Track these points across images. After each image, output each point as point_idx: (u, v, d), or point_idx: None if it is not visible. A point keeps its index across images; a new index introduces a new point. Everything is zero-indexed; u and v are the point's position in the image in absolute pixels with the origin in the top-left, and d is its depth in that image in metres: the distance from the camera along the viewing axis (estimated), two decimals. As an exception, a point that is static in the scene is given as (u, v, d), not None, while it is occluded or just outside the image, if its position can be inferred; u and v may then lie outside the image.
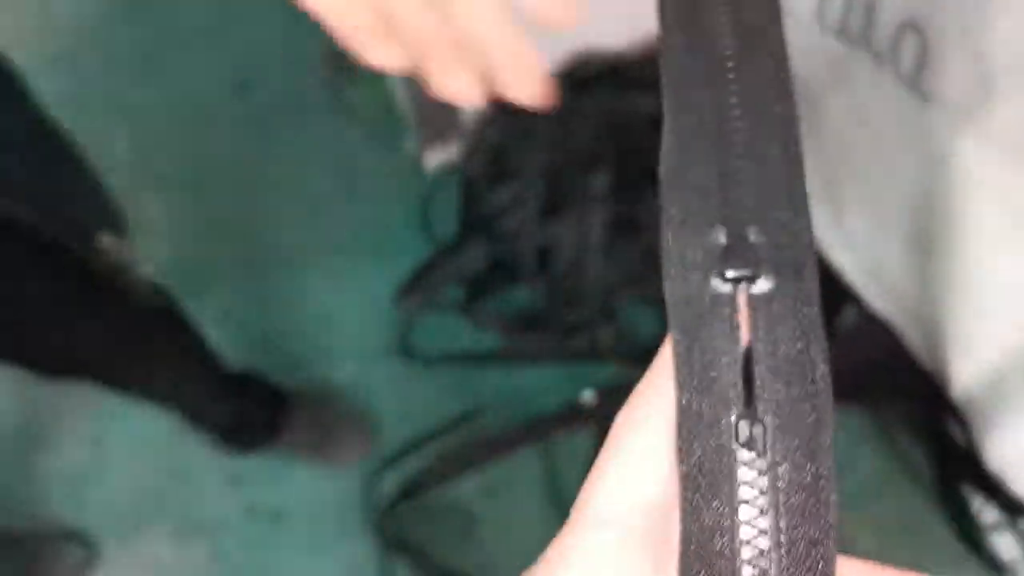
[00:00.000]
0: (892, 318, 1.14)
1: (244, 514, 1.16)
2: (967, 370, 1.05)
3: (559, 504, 1.14)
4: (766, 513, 0.21)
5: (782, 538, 0.21)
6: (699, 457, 0.21)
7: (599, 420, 1.17)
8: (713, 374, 0.22)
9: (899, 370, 1.12)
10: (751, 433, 0.21)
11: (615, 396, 1.19)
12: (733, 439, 0.21)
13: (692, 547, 0.21)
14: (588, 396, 1.18)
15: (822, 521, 0.22)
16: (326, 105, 1.43)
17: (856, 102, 1.05)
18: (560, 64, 1.32)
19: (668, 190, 0.23)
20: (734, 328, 0.22)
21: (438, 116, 1.30)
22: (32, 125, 0.69)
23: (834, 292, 1.17)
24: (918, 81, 0.95)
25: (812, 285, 0.22)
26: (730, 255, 0.22)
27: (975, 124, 0.88)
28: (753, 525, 0.21)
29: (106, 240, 0.75)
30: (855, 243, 1.16)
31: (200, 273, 1.29)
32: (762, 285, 0.22)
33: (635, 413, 0.22)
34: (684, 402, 0.22)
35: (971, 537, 1.04)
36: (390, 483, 1.17)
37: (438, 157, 1.37)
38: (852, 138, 1.08)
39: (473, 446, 1.19)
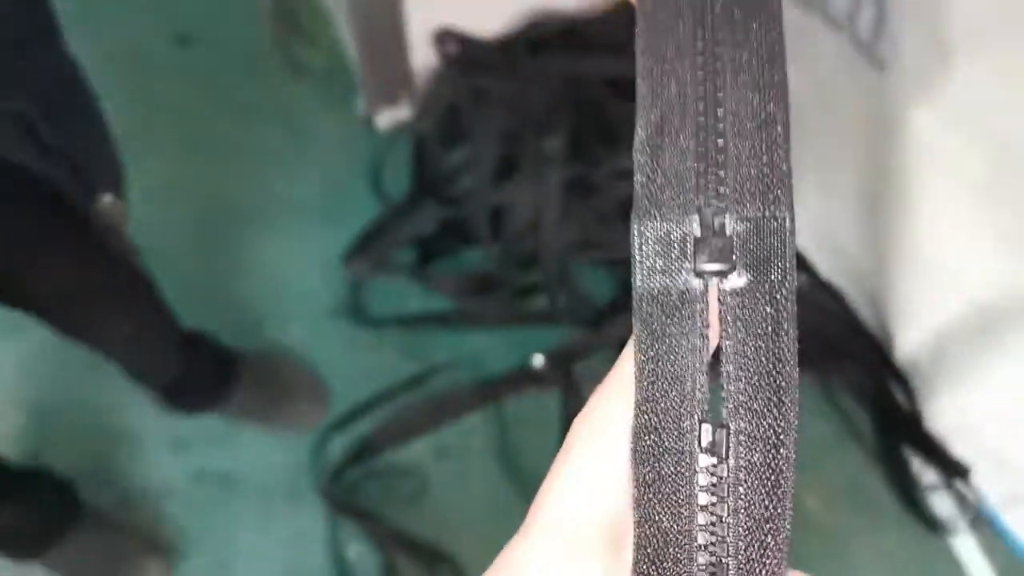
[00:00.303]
0: (841, 284, 1.16)
1: (192, 479, 1.14)
2: (912, 336, 1.07)
3: (510, 466, 1.14)
4: (724, 521, 0.20)
5: (740, 545, 0.20)
6: (659, 461, 0.21)
7: (550, 383, 1.17)
8: (678, 375, 0.20)
9: (846, 336, 1.14)
10: (714, 438, 0.20)
11: (566, 359, 1.19)
12: (696, 443, 0.20)
13: (647, 551, 0.21)
14: (539, 360, 1.18)
15: (780, 533, 0.21)
16: (273, 62, 1.38)
17: (810, 68, 1.05)
18: (516, 25, 1.30)
19: (639, 173, 0.21)
20: (703, 326, 0.20)
21: (389, 75, 1.27)
22: (65, 69, 0.66)
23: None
24: (874, 48, 0.95)
25: (790, 283, 0.20)
26: (703, 247, 0.21)
27: (930, 92, 0.89)
28: (711, 532, 0.20)
29: (107, 200, 0.73)
30: (808, 209, 1.16)
31: (145, 232, 1.24)
32: (736, 281, 0.20)
33: (594, 416, 0.21)
34: (646, 403, 0.21)
35: (911, 497, 1.07)
36: (340, 446, 1.16)
37: (389, 117, 1.34)
38: (805, 104, 1.09)
39: (424, 409, 1.18)
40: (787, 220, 0.21)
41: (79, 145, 0.69)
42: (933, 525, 1.05)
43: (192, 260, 1.28)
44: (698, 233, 0.21)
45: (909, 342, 1.08)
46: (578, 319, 1.21)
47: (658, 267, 0.21)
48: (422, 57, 1.29)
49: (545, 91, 1.25)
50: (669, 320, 0.21)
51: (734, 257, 0.20)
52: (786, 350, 0.20)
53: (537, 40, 1.28)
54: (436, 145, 1.28)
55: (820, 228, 1.16)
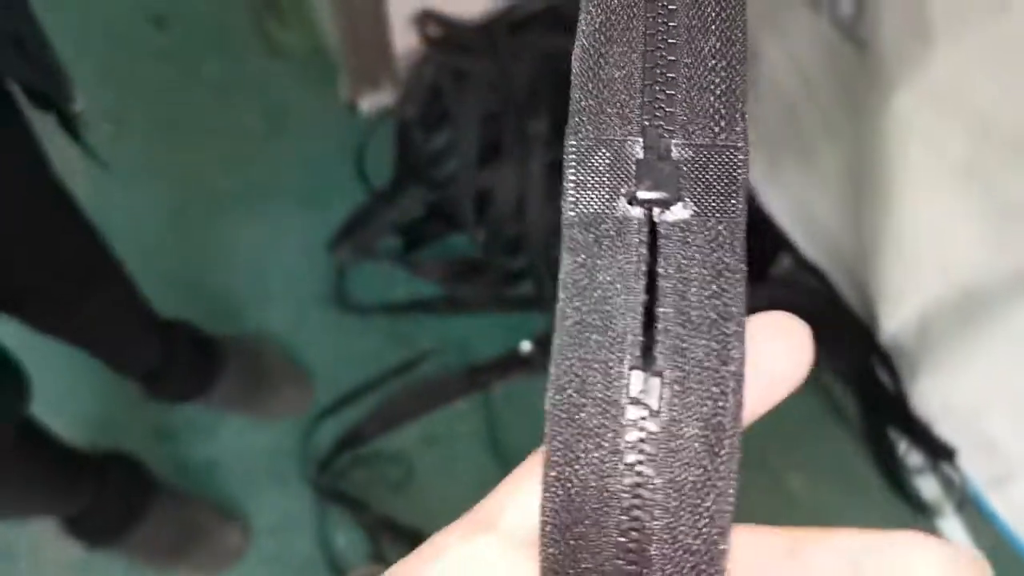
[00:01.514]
0: (825, 265, 1.15)
1: (175, 469, 1.13)
2: (896, 317, 1.07)
3: (498, 453, 1.14)
4: (653, 483, 0.17)
5: (670, 508, 0.17)
6: (580, 412, 0.18)
7: (538, 369, 1.17)
8: (608, 312, 0.18)
9: (830, 316, 1.14)
10: (645, 386, 0.18)
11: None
12: (623, 392, 0.18)
13: (561, 517, 0.18)
14: (527, 345, 1.18)
15: (720, 496, 0.17)
16: (252, 44, 1.36)
17: (792, 48, 1.03)
18: (497, 6, 1.28)
19: (578, 86, 0.19)
20: (639, 261, 0.18)
21: (371, 58, 1.25)
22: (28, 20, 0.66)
23: (770, 240, 1.18)
24: (855, 28, 0.94)
25: (739, 219, 0.18)
26: (645, 172, 0.18)
27: (911, 72, 0.88)
28: (636, 495, 0.18)
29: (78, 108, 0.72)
30: (790, 190, 1.16)
31: (121, 216, 1.23)
32: (679, 212, 0.18)
33: None
34: (568, 347, 0.18)
35: (897, 479, 1.07)
36: (327, 434, 1.15)
37: (372, 101, 1.32)
38: (787, 84, 1.08)
39: (411, 396, 1.18)
40: (741, 151, 0.18)
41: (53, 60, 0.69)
42: (919, 507, 1.06)
43: (171, 246, 1.27)
44: (640, 155, 0.18)
45: (893, 323, 1.08)
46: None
47: (591, 190, 0.18)
48: (403, 40, 1.27)
49: (527, 72, 1.24)
50: (600, 251, 0.18)
51: (679, 185, 0.18)
52: (731, 291, 0.18)
53: (518, 21, 1.26)
54: (419, 129, 1.27)
55: (802, 209, 1.15)
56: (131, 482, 1.03)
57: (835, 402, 1.13)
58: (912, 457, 1.07)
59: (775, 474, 1.09)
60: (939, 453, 1.05)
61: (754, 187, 1.18)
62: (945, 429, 1.05)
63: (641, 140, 0.18)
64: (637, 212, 0.18)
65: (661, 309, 0.18)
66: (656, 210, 0.18)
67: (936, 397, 1.05)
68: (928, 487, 1.07)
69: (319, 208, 1.28)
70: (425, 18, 1.26)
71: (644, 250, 0.18)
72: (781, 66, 1.07)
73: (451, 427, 1.17)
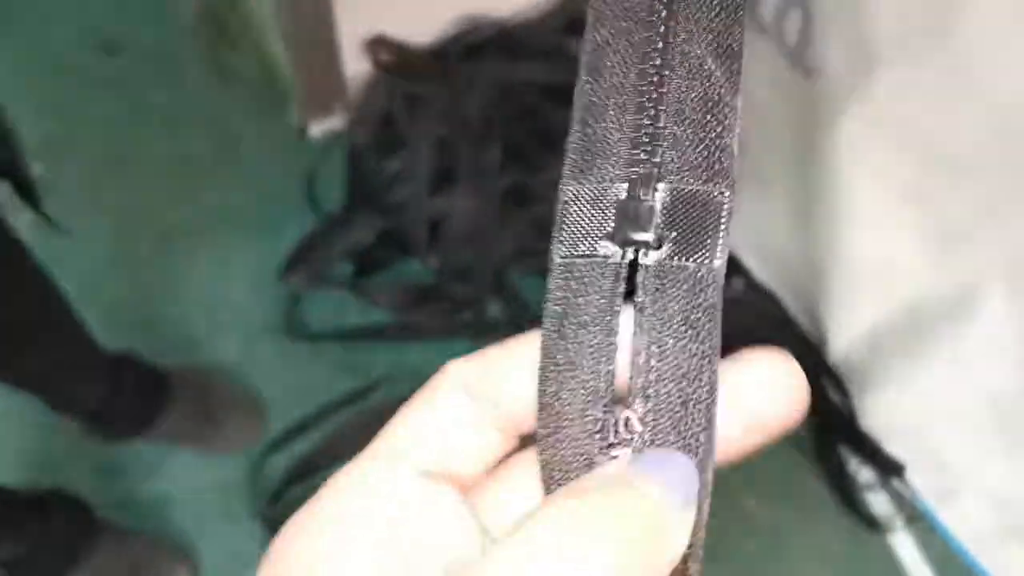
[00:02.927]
0: (776, 287, 1.17)
1: (119, 506, 1.09)
2: (844, 337, 1.09)
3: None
4: None
5: None
6: (559, 454, 0.19)
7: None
8: (583, 354, 0.19)
9: (780, 337, 1.16)
10: (617, 427, 0.18)
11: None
12: (596, 437, 0.18)
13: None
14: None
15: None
16: (202, 69, 1.34)
17: (743, 75, 1.06)
18: (449, 32, 1.29)
19: (573, 134, 0.20)
20: (615, 301, 0.18)
21: (322, 83, 1.24)
22: None
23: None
24: (802, 56, 0.96)
25: (719, 265, 0.19)
26: (626, 215, 0.19)
27: (857, 99, 0.90)
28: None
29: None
30: (741, 214, 1.18)
31: (69, 247, 1.19)
32: (658, 255, 0.19)
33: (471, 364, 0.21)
34: (547, 390, 0.19)
35: (848, 495, 1.09)
36: (277, 467, 1.12)
37: (323, 126, 1.31)
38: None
39: (364, 425, 1.16)
40: (726, 197, 0.19)
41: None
42: (870, 523, 1.07)
43: (118, 276, 1.23)
44: (623, 197, 0.19)
45: (842, 343, 1.10)
46: (519, 330, 1.20)
47: (576, 234, 0.19)
48: (355, 65, 1.26)
49: (481, 98, 1.24)
50: (580, 291, 0.19)
51: (659, 228, 0.19)
52: (707, 334, 0.18)
53: (471, 47, 1.27)
54: (371, 155, 1.26)
55: (753, 232, 1.17)
56: (73, 522, 0.98)
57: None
58: (863, 473, 1.09)
59: (727, 493, 1.09)
60: (888, 469, 1.07)
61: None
62: (894, 445, 1.07)
63: (627, 184, 0.19)
64: (615, 253, 0.19)
65: (636, 358, 0.18)
66: (636, 251, 0.19)
67: (884, 414, 1.07)
68: (879, 503, 1.08)
69: (269, 235, 1.26)
70: (377, 43, 1.26)
71: (621, 292, 0.19)
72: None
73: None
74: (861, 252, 1.02)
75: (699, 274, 0.19)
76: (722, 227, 0.19)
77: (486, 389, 0.21)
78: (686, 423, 0.18)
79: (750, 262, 1.18)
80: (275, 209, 1.29)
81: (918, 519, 1.07)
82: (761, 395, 0.19)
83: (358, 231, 1.25)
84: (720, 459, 0.19)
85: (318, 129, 1.31)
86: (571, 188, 0.20)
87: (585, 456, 0.18)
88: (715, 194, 0.19)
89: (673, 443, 0.18)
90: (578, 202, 0.19)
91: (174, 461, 1.12)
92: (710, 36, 0.20)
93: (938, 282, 0.97)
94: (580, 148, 0.20)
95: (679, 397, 0.18)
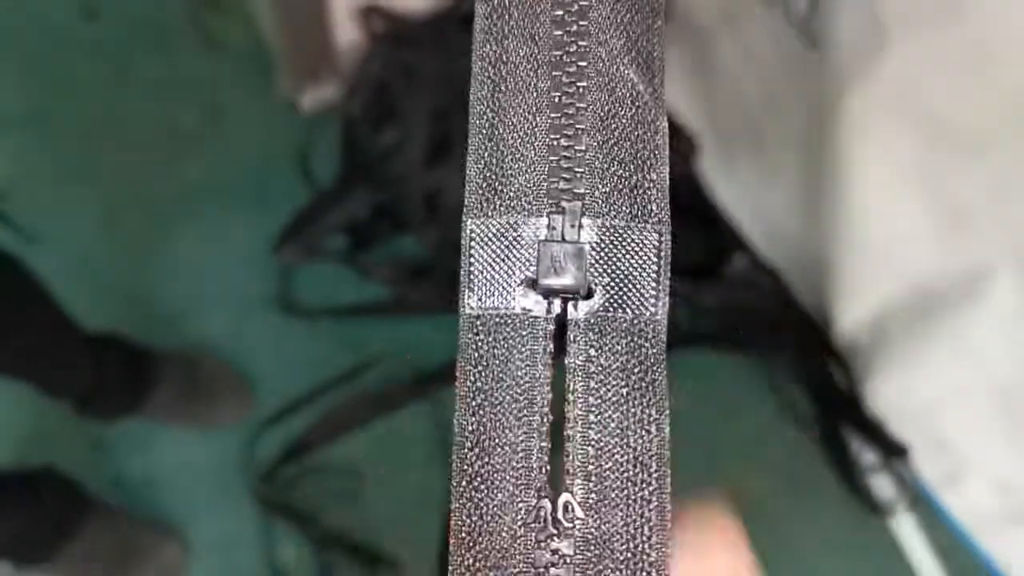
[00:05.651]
0: (781, 265, 1.15)
1: (110, 484, 1.08)
2: (850, 317, 1.07)
3: (449, 460, 1.11)
4: None
5: None
6: (491, 532, 0.16)
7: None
8: (510, 441, 0.16)
9: (785, 317, 1.14)
10: (555, 511, 0.16)
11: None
12: (530, 528, 0.16)
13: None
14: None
15: None
16: (188, 37, 1.30)
17: (747, 45, 1.02)
18: (445, 1, 1.25)
19: (472, 155, 0.17)
20: (541, 365, 0.16)
21: (311, 52, 1.21)
22: None
23: (724, 238, 1.16)
24: (809, 27, 0.93)
25: (661, 314, 0.16)
26: (549, 257, 0.16)
27: (865, 71, 0.87)
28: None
29: None
30: (746, 189, 1.15)
31: (51, 222, 1.17)
32: (590, 306, 0.16)
33: None
34: (468, 472, 0.16)
35: (851, 478, 1.07)
36: (271, 444, 1.11)
37: (315, 96, 1.27)
38: (742, 81, 1.06)
39: (359, 403, 1.14)
40: (660, 236, 0.16)
41: None
42: (873, 506, 1.06)
43: (104, 251, 1.21)
44: (543, 236, 0.16)
45: (848, 323, 1.08)
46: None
47: (489, 280, 0.16)
48: (346, 34, 1.22)
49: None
50: (501, 356, 0.16)
51: (588, 273, 0.16)
52: (653, 405, 0.15)
53: (467, 16, 1.22)
54: (365, 126, 1.23)
55: (758, 208, 1.15)
56: (63, 500, 0.98)
57: (790, 402, 1.13)
58: (866, 456, 1.07)
59: (734, 476, 1.08)
60: (892, 452, 1.06)
61: (709, 184, 1.17)
62: (898, 428, 1.05)
63: (546, 221, 0.16)
64: (541, 307, 0.16)
65: (573, 419, 0.16)
66: (564, 303, 0.16)
67: (889, 396, 1.05)
68: (882, 486, 1.07)
69: (260, 208, 1.23)
70: (370, 12, 1.22)
71: (549, 348, 0.16)
72: (737, 64, 1.05)
73: (401, 434, 1.13)
74: (868, 231, 0.99)
75: (638, 327, 0.16)
76: (661, 269, 0.16)
77: None
78: (637, 505, 0.15)
79: (756, 239, 1.15)
80: (266, 181, 1.26)
81: (920, 503, 1.05)
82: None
83: (352, 204, 1.23)
84: None
85: (309, 99, 1.28)
86: (477, 224, 0.16)
87: (522, 554, 0.16)
88: (648, 232, 0.16)
89: (621, 530, 0.15)
90: (487, 241, 0.16)
91: (166, 439, 1.11)
92: (628, 41, 0.16)
93: (945, 263, 0.94)
94: (483, 172, 0.16)
95: (625, 473, 0.15)
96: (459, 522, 0.16)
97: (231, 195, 1.25)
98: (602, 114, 0.16)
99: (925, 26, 0.80)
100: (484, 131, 0.17)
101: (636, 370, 0.15)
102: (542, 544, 0.16)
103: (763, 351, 1.13)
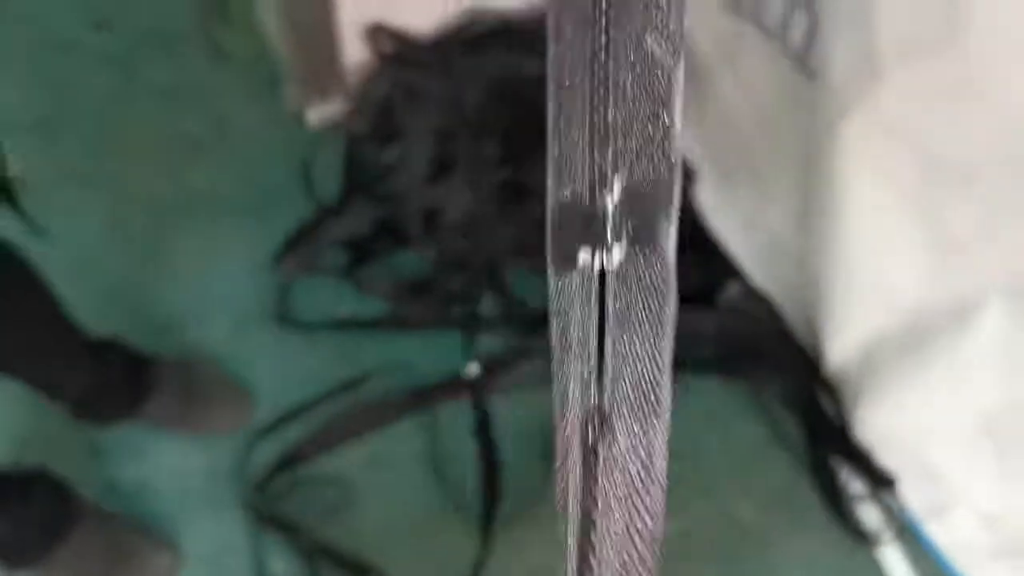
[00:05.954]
0: (773, 294, 1.16)
1: (103, 489, 1.08)
2: (840, 346, 1.07)
3: (441, 476, 1.11)
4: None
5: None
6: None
7: (484, 391, 1.15)
8: (576, 352, 0.21)
9: (776, 344, 1.14)
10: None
11: (499, 367, 1.17)
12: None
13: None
14: (473, 368, 1.16)
15: (650, 521, 0.22)
16: (197, 49, 1.33)
17: (744, 76, 1.04)
18: (450, 23, 1.27)
19: (551, 142, 0.22)
20: (593, 302, 0.21)
21: (319, 69, 1.23)
22: None
23: (718, 266, 1.18)
24: (806, 58, 0.95)
25: (667, 251, 0.21)
26: (591, 216, 0.20)
27: (860, 102, 0.89)
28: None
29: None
30: (740, 217, 1.16)
31: (55, 227, 1.18)
32: (616, 254, 0.21)
33: None
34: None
35: (839, 507, 1.08)
36: (264, 454, 1.12)
37: (320, 112, 1.29)
38: (739, 113, 1.08)
39: (353, 416, 1.15)
40: (673, 178, 0.21)
41: None
42: (860, 535, 1.06)
43: (107, 258, 1.22)
44: (587, 200, 0.21)
45: (838, 352, 1.08)
46: (513, 324, 1.19)
47: (560, 239, 0.21)
48: (353, 52, 1.25)
49: (480, 90, 1.22)
50: (568, 298, 0.21)
51: (616, 226, 0.21)
52: (662, 339, 0.22)
53: (473, 39, 1.25)
54: (369, 143, 1.25)
55: (753, 237, 1.16)
56: (54, 503, 0.98)
57: (780, 429, 1.13)
58: (854, 485, 1.08)
59: (723, 501, 1.08)
60: (879, 481, 1.06)
61: (704, 211, 1.18)
62: (886, 458, 1.06)
63: (588, 185, 0.21)
64: (585, 258, 0.21)
65: (607, 341, 0.21)
66: (603, 252, 0.21)
67: (877, 426, 1.06)
68: (869, 515, 1.07)
69: (263, 221, 1.25)
70: (377, 32, 1.24)
71: (596, 290, 0.21)
72: (733, 93, 1.07)
73: (394, 449, 1.14)
74: (860, 260, 1.00)
75: (653, 270, 0.21)
76: (672, 210, 0.21)
77: None
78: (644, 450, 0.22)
79: (748, 267, 1.17)
80: (269, 194, 1.27)
81: (907, 533, 1.06)
82: None
83: (354, 219, 1.24)
84: None
85: (315, 114, 1.29)
86: (553, 197, 0.21)
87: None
88: (663, 177, 0.21)
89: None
90: (557, 210, 0.21)
91: (162, 446, 1.11)
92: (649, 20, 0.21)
93: (936, 293, 0.95)
94: (558, 155, 0.21)
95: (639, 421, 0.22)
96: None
97: (234, 205, 1.27)
98: (620, 81, 0.21)
99: (919, 58, 0.81)
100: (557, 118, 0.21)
101: (651, 314, 0.21)
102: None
103: (754, 376, 1.14)
